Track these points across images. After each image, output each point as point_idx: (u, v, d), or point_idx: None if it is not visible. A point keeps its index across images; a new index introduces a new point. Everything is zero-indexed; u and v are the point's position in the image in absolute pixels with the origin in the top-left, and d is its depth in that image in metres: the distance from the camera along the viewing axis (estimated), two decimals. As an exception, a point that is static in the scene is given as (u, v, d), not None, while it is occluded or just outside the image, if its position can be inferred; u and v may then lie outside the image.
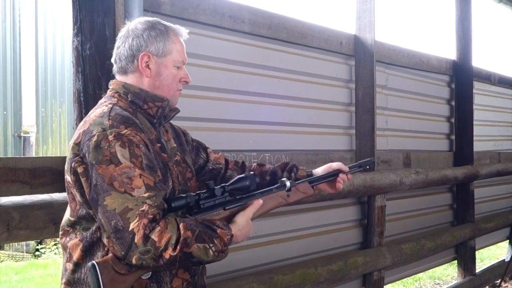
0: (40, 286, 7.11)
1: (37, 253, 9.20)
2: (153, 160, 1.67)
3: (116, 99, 1.77)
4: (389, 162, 4.60)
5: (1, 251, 9.25)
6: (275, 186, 1.92)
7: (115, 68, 1.84)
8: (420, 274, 6.51)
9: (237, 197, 1.80)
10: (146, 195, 1.57)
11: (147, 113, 1.78)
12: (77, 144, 1.64)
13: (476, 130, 5.78)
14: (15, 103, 10.19)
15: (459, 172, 5.30)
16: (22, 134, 10.32)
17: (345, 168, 2.15)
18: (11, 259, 9.07)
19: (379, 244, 4.24)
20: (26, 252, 9.18)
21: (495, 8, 8.13)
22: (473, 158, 5.67)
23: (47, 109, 10.56)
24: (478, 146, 5.95)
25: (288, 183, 1.92)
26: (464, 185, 5.58)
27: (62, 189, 2.28)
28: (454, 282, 6.07)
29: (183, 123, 2.49)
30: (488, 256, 8.30)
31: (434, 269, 6.39)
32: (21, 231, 2.14)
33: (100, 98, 1.89)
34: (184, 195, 1.71)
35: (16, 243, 8.96)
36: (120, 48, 1.81)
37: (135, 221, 1.53)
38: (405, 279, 5.89)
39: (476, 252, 5.90)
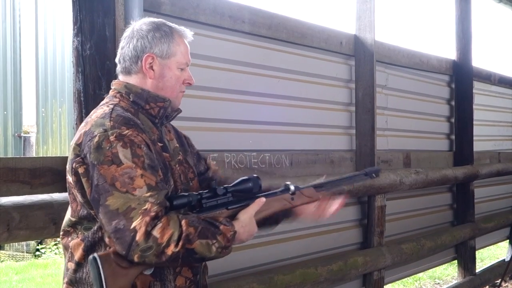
0: (40, 286, 7.11)
1: (37, 253, 9.21)
2: (154, 160, 1.67)
3: (118, 99, 1.77)
4: (389, 162, 4.60)
5: (2, 251, 9.25)
6: (279, 189, 1.91)
7: (118, 68, 1.84)
8: (420, 274, 6.52)
9: (240, 199, 1.80)
10: (148, 194, 1.57)
11: (149, 113, 1.79)
12: (78, 145, 1.64)
13: (476, 130, 5.78)
14: (15, 103, 10.19)
15: (459, 172, 5.30)
16: (22, 134, 10.33)
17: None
18: (12, 259, 9.07)
19: (379, 244, 4.24)
20: (27, 252, 9.18)
21: (495, 8, 8.13)
22: (473, 158, 5.67)
23: (47, 109, 10.57)
24: (478, 146, 5.95)
25: (292, 187, 1.91)
26: (464, 185, 5.58)
27: (62, 189, 2.28)
28: (454, 282, 6.07)
29: (183, 123, 2.49)
30: (488, 256, 8.30)
31: (434, 269, 6.40)
32: (21, 231, 2.14)
33: (100, 98, 1.89)
34: (186, 193, 1.71)
35: (16, 243, 8.96)
36: (125, 49, 1.81)
37: (138, 219, 1.53)
38: (405, 279, 5.89)
39: (476, 252, 5.90)
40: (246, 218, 1.74)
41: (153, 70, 1.79)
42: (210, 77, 3.20)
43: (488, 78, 6.42)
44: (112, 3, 2.49)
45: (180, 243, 1.55)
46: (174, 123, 2.00)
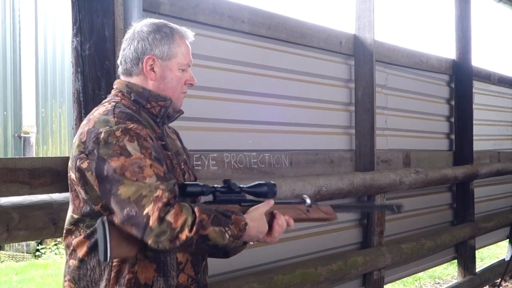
0: (40, 286, 7.11)
1: (37, 253, 9.21)
2: (160, 153, 1.69)
3: (119, 98, 1.79)
4: (388, 161, 4.60)
5: (2, 252, 9.25)
6: (296, 201, 1.92)
7: (120, 70, 1.85)
8: (420, 274, 6.52)
9: (253, 200, 1.82)
10: (158, 182, 1.59)
11: (150, 112, 1.80)
12: (83, 143, 1.65)
13: (476, 130, 5.78)
14: (15, 104, 10.19)
15: (459, 171, 5.30)
16: (22, 135, 10.33)
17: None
18: (12, 259, 9.07)
19: (379, 244, 4.24)
20: (27, 253, 9.18)
21: (494, 8, 8.13)
22: (473, 158, 5.67)
23: (47, 109, 10.57)
24: (478, 145, 5.95)
25: (308, 200, 1.90)
26: (464, 185, 5.58)
27: (61, 190, 2.28)
28: (454, 281, 6.07)
29: (183, 123, 2.50)
30: (488, 255, 8.30)
31: (434, 268, 6.40)
32: (21, 231, 2.14)
33: (100, 98, 1.90)
34: (200, 183, 1.74)
35: (16, 244, 8.96)
36: (126, 50, 1.82)
37: (150, 206, 1.54)
38: (405, 278, 5.89)
39: (476, 252, 5.90)
40: (256, 214, 1.75)
41: (154, 71, 1.80)
42: (209, 77, 3.20)
43: (488, 78, 6.42)
44: (111, 3, 2.49)
45: (194, 228, 1.55)
46: (174, 122, 2.01)
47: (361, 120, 4.20)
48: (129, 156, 1.59)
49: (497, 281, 6.21)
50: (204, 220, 1.58)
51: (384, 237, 4.31)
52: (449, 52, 5.68)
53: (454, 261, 5.89)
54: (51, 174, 2.28)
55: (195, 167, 2.79)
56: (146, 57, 1.78)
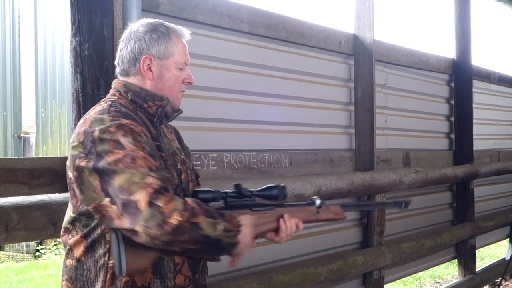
0: (40, 286, 7.11)
1: (37, 253, 9.21)
2: (154, 150, 1.69)
3: (116, 97, 1.79)
4: (388, 161, 4.60)
5: (1, 252, 9.25)
6: (305, 202, 1.93)
7: (117, 70, 1.85)
8: (420, 273, 6.52)
9: (266, 203, 1.82)
10: (149, 172, 1.59)
11: (147, 112, 1.80)
12: (81, 143, 1.65)
13: (476, 129, 5.78)
14: (15, 104, 10.19)
15: (458, 171, 5.29)
16: (22, 135, 10.33)
17: None
18: (12, 259, 9.07)
19: (379, 243, 4.24)
20: (26, 253, 9.18)
21: (494, 7, 8.13)
22: (473, 157, 5.67)
23: (47, 109, 10.57)
24: (478, 144, 5.95)
25: (318, 201, 1.91)
26: (464, 184, 5.58)
27: (61, 190, 2.28)
28: (455, 281, 6.07)
29: (182, 123, 2.49)
30: (488, 254, 8.30)
31: (434, 268, 6.39)
32: (20, 231, 2.14)
33: (99, 98, 1.90)
34: (211, 189, 1.74)
35: (16, 244, 8.96)
36: (123, 51, 1.82)
37: (140, 191, 1.54)
38: (405, 278, 5.89)
39: (476, 251, 5.90)
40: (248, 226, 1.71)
41: (151, 71, 1.80)
42: (209, 77, 3.20)
43: (488, 77, 6.42)
44: (110, 3, 2.49)
45: (185, 214, 1.54)
46: (173, 122, 2.00)
47: (360, 119, 4.20)
48: (122, 149, 1.59)
49: (497, 280, 6.21)
50: (195, 209, 1.57)
51: (384, 236, 4.31)
52: (449, 52, 5.69)
53: (454, 260, 5.89)
54: (50, 174, 2.27)
55: (195, 167, 2.78)
56: (143, 57, 1.79)
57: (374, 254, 4.12)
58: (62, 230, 1.76)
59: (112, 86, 1.85)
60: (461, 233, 5.36)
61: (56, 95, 10.59)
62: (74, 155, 1.65)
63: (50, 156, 9.85)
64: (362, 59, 4.21)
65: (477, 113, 5.94)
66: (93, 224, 1.67)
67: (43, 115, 10.52)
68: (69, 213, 1.74)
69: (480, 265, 6.38)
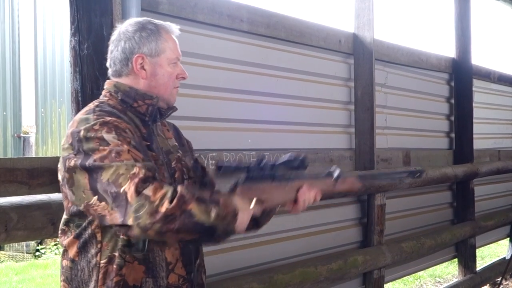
0: (40, 286, 7.11)
1: (37, 253, 9.20)
2: (140, 145, 1.69)
3: (107, 98, 1.79)
4: (388, 160, 4.59)
5: (1, 252, 9.25)
6: (323, 174, 1.95)
7: (110, 72, 1.85)
8: (421, 273, 6.51)
9: (286, 175, 1.85)
10: (135, 162, 1.59)
11: (138, 111, 1.79)
12: (71, 144, 1.65)
13: (476, 128, 5.78)
14: (15, 104, 10.19)
15: (459, 170, 5.29)
16: (21, 135, 10.33)
17: None
18: (11, 259, 9.06)
19: (379, 243, 4.24)
20: (26, 253, 9.18)
21: (494, 6, 8.13)
22: (473, 156, 5.67)
23: (47, 109, 10.56)
24: (478, 144, 5.94)
25: (336, 173, 1.93)
26: (464, 183, 5.57)
27: (60, 190, 2.27)
28: (455, 280, 6.06)
29: (181, 123, 2.48)
30: (488, 254, 8.29)
31: (434, 267, 6.39)
32: (19, 231, 2.13)
33: (98, 98, 1.89)
34: (234, 164, 1.79)
35: (16, 244, 8.96)
36: (114, 52, 1.82)
37: (127, 182, 1.54)
38: (406, 277, 5.89)
39: (477, 250, 5.89)
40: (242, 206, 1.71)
41: (144, 70, 1.79)
42: (208, 76, 3.19)
43: (488, 76, 6.42)
44: (110, 3, 2.48)
45: (175, 201, 1.52)
46: (172, 122, 2.00)
47: (360, 119, 4.19)
48: (107, 145, 1.59)
49: (498, 279, 6.21)
50: (186, 195, 1.55)
51: (384, 236, 4.31)
52: (449, 51, 5.68)
53: (454, 259, 5.89)
54: (49, 174, 2.27)
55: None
56: (135, 56, 1.78)
57: (374, 254, 4.12)
58: (59, 232, 1.77)
59: (104, 87, 1.85)
60: (461, 233, 5.35)
61: (56, 94, 10.59)
62: (64, 157, 1.66)
63: (49, 156, 9.85)
64: (362, 58, 4.20)
65: (477, 112, 5.94)
66: (83, 224, 1.68)
67: (42, 115, 10.51)
68: (64, 215, 1.75)
69: (480, 264, 6.37)
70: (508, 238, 6.98)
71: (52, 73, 10.58)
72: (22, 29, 10.31)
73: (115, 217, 1.55)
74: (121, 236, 1.65)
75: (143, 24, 1.82)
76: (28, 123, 10.56)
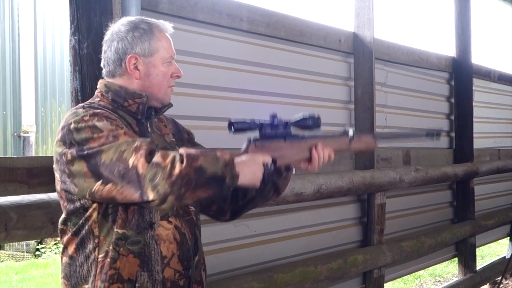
0: (40, 286, 7.11)
1: (37, 252, 9.20)
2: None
3: (99, 98, 1.79)
4: (388, 159, 4.59)
5: (1, 251, 9.24)
6: (339, 133, 1.96)
7: (104, 72, 1.84)
8: (421, 272, 6.51)
9: (300, 134, 1.87)
10: (134, 138, 1.59)
11: (129, 110, 1.79)
12: (61, 140, 1.66)
13: (476, 127, 5.77)
14: (15, 103, 10.18)
15: (459, 169, 5.29)
16: (21, 134, 10.32)
17: None
18: (12, 259, 9.06)
19: (379, 242, 4.24)
20: (27, 252, 9.18)
21: (494, 5, 8.12)
22: (473, 155, 5.66)
23: (47, 108, 10.56)
24: (478, 143, 5.94)
25: (351, 132, 1.94)
26: (464, 182, 5.57)
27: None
28: (455, 279, 6.06)
29: (181, 122, 2.48)
30: (488, 253, 8.30)
31: (434, 266, 6.39)
32: (19, 231, 2.13)
33: (97, 97, 1.88)
34: (247, 119, 1.80)
35: (16, 243, 8.96)
36: (107, 53, 1.81)
37: (133, 156, 1.54)
38: (406, 276, 5.89)
39: (477, 249, 5.90)
40: (247, 156, 1.74)
41: (138, 70, 1.78)
42: (208, 75, 3.19)
43: (488, 75, 6.41)
44: (109, 2, 2.48)
45: (185, 161, 1.53)
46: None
47: (360, 118, 4.19)
48: (101, 132, 1.60)
49: (498, 279, 6.21)
50: (192, 153, 1.57)
51: (384, 235, 4.30)
52: (449, 50, 5.68)
53: (454, 259, 5.89)
54: (49, 173, 2.26)
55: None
56: (128, 57, 1.77)
57: (374, 253, 4.12)
58: (59, 232, 1.77)
59: (97, 87, 1.85)
60: (461, 232, 5.35)
61: (55, 94, 10.58)
62: (58, 153, 1.66)
63: (49, 155, 9.83)
64: (362, 57, 4.20)
65: (477, 111, 5.94)
66: (81, 221, 1.68)
67: (42, 114, 10.51)
68: (61, 215, 1.76)
69: (480, 263, 6.38)
70: (508, 237, 6.98)
71: (52, 72, 10.58)
72: (22, 28, 10.30)
73: (129, 193, 1.54)
74: (116, 229, 1.66)
75: (135, 23, 1.80)
76: (28, 122, 10.55)
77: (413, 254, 4.59)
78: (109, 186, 1.56)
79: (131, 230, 1.68)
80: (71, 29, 2.41)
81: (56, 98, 10.59)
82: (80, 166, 1.60)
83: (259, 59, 3.55)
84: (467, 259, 5.68)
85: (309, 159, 1.87)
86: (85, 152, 1.58)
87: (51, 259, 8.81)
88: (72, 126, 1.62)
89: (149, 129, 1.82)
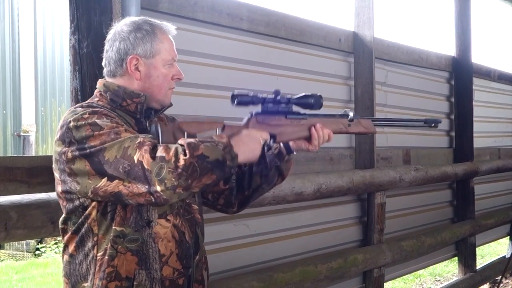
0: (40, 285, 7.10)
1: (37, 252, 9.20)
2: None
3: (97, 98, 1.79)
4: (388, 159, 4.59)
5: (2, 250, 9.25)
6: (339, 114, 1.98)
7: (104, 71, 1.84)
8: (421, 271, 6.52)
9: (301, 112, 1.89)
10: (136, 135, 1.60)
11: (127, 110, 1.79)
12: (60, 139, 1.66)
13: (476, 127, 5.77)
14: (15, 103, 10.18)
15: (459, 168, 5.29)
16: (21, 133, 10.32)
17: None
18: (12, 258, 9.07)
19: (379, 241, 4.24)
20: (27, 251, 9.18)
21: (494, 4, 8.12)
22: (473, 155, 5.67)
23: (47, 108, 10.55)
24: (478, 142, 5.94)
25: (351, 114, 1.96)
26: (464, 182, 5.57)
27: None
28: (455, 278, 6.06)
29: (181, 121, 2.48)
30: (488, 252, 8.30)
31: (434, 266, 6.39)
32: (19, 230, 2.13)
33: (97, 96, 1.88)
34: (250, 93, 1.82)
35: (16, 242, 8.96)
36: (109, 52, 1.81)
37: (137, 152, 1.54)
38: (406, 276, 5.89)
39: (477, 249, 5.90)
40: (244, 133, 1.78)
41: (139, 71, 1.78)
42: (208, 75, 3.19)
43: (488, 75, 6.41)
44: (109, 1, 2.48)
45: (187, 152, 1.54)
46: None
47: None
48: (101, 129, 1.60)
49: (498, 278, 6.21)
50: (192, 142, 1.57)
51: (384, 234, 4.31)
52: (449, 49, 5.68)
53: (454, 258, 5.89)
54: (49, 172, 2.25)
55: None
56: (130, 57, 1.77)
57: (374, 252, 4.12)
58: (60, 231, 1.77)
59: (96, 87, 1.84)
60: (461, 231, 5.35)
61: (55, 93, 10.58)
62: (58, 152, 1.66)
63: (49, 154, 9.83)
64: (362, 56, 4.20)
65: (477, 111, 5.94)
66: (80, 219, 1.68)
67: (42, 113, 10.51)
68: (62, 215, 1.76)
69: (480, 263, 6.38)
70: (508, 237, 6.98)
71: (52, 71, 10.57)
72: (22, 28, 10.29)
73: (136, 189, 1.55)
74: (114, 227, 1.66)
75: (138, 24, 1.80)
76: (28, 121, 10.55)
77: (413, 254, 4.59)
78: (115, 181, 1.57)
79: (129, 228, 1.68)
80: (71, 28, 2.41)
81: (56, 97, 10.59)
82: (82, 165, 1.60)
83: (259, 58, 3.55)
84: (467, 259, 5.69)
85: (309, 138, 1.89)
86: (87, 150, 1.58)
87: (51, 258, 8.81)
88: (71, 124, 1.62)
89: (149, 129, 1.83)
